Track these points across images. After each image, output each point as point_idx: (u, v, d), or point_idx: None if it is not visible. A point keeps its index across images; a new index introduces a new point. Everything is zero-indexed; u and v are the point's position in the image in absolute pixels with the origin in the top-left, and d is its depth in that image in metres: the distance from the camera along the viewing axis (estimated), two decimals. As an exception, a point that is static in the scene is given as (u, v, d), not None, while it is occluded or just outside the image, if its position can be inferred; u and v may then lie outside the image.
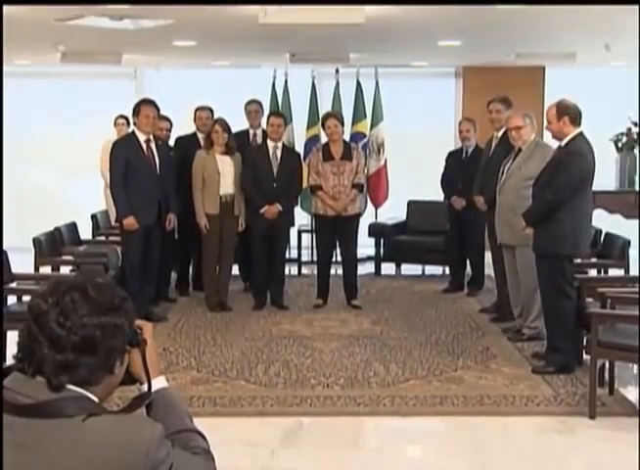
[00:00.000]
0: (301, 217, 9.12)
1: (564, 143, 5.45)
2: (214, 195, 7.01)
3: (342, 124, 7.34)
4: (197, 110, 7.80)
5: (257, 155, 7.19)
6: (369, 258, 9.28)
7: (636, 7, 4.69)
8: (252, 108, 7.86)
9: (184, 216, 7.06)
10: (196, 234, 7.25)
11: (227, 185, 7.03)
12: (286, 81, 9.57)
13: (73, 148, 10.55)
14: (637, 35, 6.40)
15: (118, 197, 6.53)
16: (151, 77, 10.76)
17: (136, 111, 6.55)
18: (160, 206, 6.62)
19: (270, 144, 7.26)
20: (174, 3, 5.22)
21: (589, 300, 5.63)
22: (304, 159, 8.06)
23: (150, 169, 6.51)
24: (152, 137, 6.59)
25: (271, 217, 7.09)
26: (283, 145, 7.32)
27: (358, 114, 9.55)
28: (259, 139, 7.72)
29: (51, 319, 1.66)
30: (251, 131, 7.88)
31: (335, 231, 7.34)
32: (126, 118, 8.30)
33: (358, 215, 7.48)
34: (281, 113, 7.92)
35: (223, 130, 6.91)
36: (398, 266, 9.53)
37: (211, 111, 7.74)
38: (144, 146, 6.53)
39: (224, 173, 7.00)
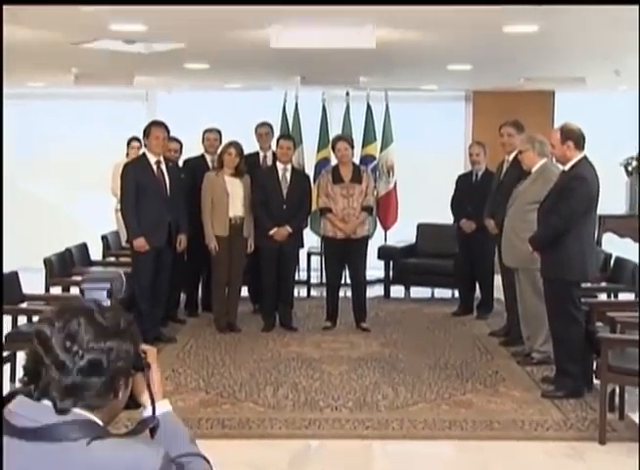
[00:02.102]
0: (311, 239, 9.10)
1: (567, 167, 5.46)
2: (223, 217, 7.01)
3: (353, 147, 7.40)
4: (205, 132, 7.84)
5: (267, 177, 7.18)
6: (378, 281, 9.27)
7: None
8: (263, 130, 7.87)
9: (193, 238, 7.03)
10: (205, 255, 7.23)
11: (236, 207, 7.03)
12: (296, 104, 9.59)
13: (85, 168, 10.59)
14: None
15: (129, 218, 6.55)
16: (162, 99, 10.81)
17: (146, 132, 6.60)
18: (170, 227, 6.61)
19: (280, 166, 7.26)
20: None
21: (599, 324, 5.61)
22: (314, 181, 8.07)
23: (160, 191, 6.53)
24: (162, 159, 6.62)
25: (280, 239, 7.07)
26: (292, 167, 7.35)
27: (368, 136, 9.59)
28: (269, 161, 7.72)
29: (57, 343, 1.67)
30: (261, 153, 7.88)
31: (344, 253, 7.30)
32: (139, 141, 8.15)
33: (367, 238, 7.48)
34: (291, 135, 8.00)
35: (236, 154, 6.95)
36: (407, 289, 9.49)
37: (219, 133, 7.84)
38: (154, 167, 6.55)
39: (233, 195, 7.01)
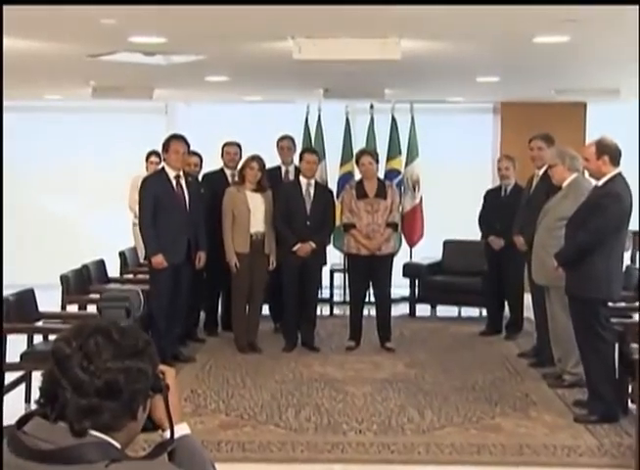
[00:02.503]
0: (334, 256, 9.06)
1: (601, 183, 5.40)
2: (245, 233, 7.00)
3: (377, 161, 7.40)
4: (225, 145, 7.82)
5: (290, 192, 7.16)
6: (403, 299, 9.21)
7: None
8: (285, 144, 7.86)
9: (213, 255, 6.99)
10: (225, 273, 7.21)
11: (258, 223, 7.01)
12: (319, 117, 9.60)
13: (103, 182, 10.61)
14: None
15: (147, 234, 6.53)
16: (182, 112, 10.85)
17: (166, 146, 6.58)
18: (189, 244, 6.58)
19: (303, 181, 7.24)
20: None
21: (634, 345, 5.51)
22: (337, 196, 8.05)
23: (180, 206, 6.52)
24: (182, 173, 6.60)
25: (304, 256, 7.04)
26: (316, 182, 7.29)
27: (393, 150, 9.56)
28: (291, 176, 7.73)
29: (74, 364, 1.66)
30: (284, 168, 7.89)
31: (368, 271, 7.26)
32: (159, 155, 8.01)
33: (392, 255, 7.49)
34: (314, 149, 7.95)
35: (259, 169, 6.95)
36: (434, 308, 9.39)
37: (239, 146, 7.82)
38: (174, 182, 6.53)
39: (255, 211, 6.99)
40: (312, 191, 7.13)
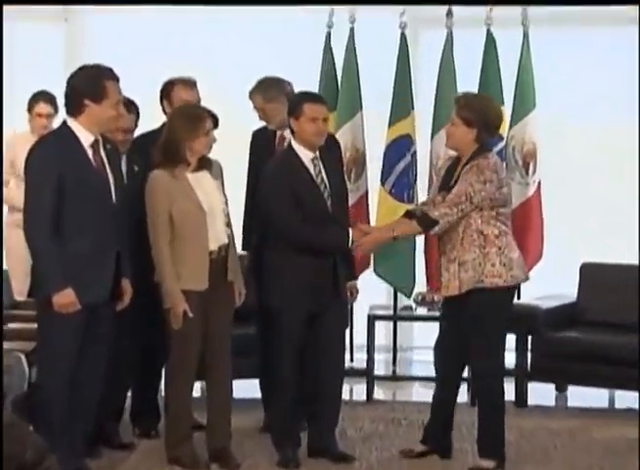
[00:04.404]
0: (373, 289, 7.25)
1: None
2: (199, 253, 5.49)
3: (469, 123, 5.52)
4: (171, 84, 6.29)
5: (297, 178, 5.72)
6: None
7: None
8: (278, 90, 6.24)
9: (143, 288, 5.53)
10: (163, 325, 5.81)
11: (219, 229, 5.57)
12: (352, 34, 7.28)
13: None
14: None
15: (45, 250, 5.26)
16: (92, 19, 8.61)
17: (92, 89, 5.41)
18: (118, 266, 5.44)
19: (305, 155, 5.66)
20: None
21: None
22: (383, 178, 6.93)
23: (102, 197, 5.27)
24: (100, 138, 5.46)
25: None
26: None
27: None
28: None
29: None
30: (279, 132, 6.32)
31: (457, 320, 5.69)
32: (53, 102, 7.08)
33: (488, 293, 5.52)
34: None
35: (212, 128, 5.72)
36: (562, 390, 7.31)
37: (196, 87, 6.32)
38: (89, 153, 5.32)
39: (212, 208, 5.54)
40: (321, 165, 5.70)
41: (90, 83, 5.07)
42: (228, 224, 5.57)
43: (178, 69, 6.44)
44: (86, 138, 5.04)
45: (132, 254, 5.43)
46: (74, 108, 5.08)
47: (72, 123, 5.09)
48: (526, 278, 5.56)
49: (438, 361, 5.75)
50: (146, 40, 8.48)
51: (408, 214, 5.57)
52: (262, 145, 6.17)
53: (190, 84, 6.01)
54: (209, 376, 5.53)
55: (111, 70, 5.26)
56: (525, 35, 7.28)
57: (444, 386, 5.68)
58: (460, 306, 5.38)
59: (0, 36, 5.60)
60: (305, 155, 5.47)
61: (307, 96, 5.74)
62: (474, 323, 5.27)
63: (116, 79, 5.22)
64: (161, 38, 8.50)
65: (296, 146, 5.51)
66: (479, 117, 5.31)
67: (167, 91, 5.97)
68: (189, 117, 5.51)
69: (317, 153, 5.58)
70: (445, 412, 5.60)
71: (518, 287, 7.05)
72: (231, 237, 5.59)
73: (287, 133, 5.91)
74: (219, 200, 5.54)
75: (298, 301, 5.42)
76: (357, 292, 6.01)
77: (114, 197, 5.17)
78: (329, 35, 7.29)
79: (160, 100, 5.95)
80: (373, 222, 6.73)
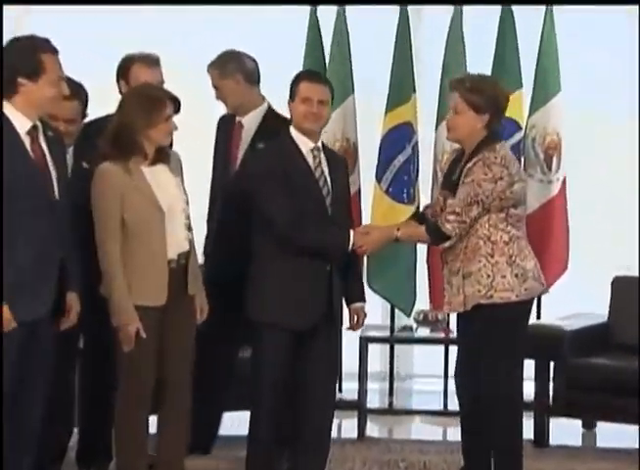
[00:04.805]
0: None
1: None
2: (156, 262, 5.17)
3: (477, 108, 5.27)
4: (127, 60, 5.98)
5: (292, 167, 5.39)
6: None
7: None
8: (237, 66, 6.00)
9: (91, 303, 5.08)
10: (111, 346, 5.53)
11: (179, 234, 5.20)
12: (343, 14, 6.89)
13: None
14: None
15: None
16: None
17: (29, 64, 5.00)
18: (64, 275, 4.99)
19: (303, 143, 5.35)
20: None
21: None
22: (379, 173, 6.56)
23: (43, 194, 4.86)
24: (39, 124, 4.99)
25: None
26: (324, 146, 5.51)
27: (505, 78, 6.77)
28: (251, 132, 5.95)
29: None
30: (237, 118, 6.01)
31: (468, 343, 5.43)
32: None
33: (493, 310, 5.21)
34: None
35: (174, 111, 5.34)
36: (589, 426, 6.78)
37: (158, 65, 6.00)
38: (26, 142, 4.88)
39: (171, 207, 5.16)
40: (324, 162, 5.33)
41: (24, 57, 4.67)
42: (189, 228, 5.17)
43: (178, 69, 6.38)
44: (22, 124, 4.67)
45: (79, 262, 4.98)
46: (7, 88, 4.67)
47: (6, 107, 4.68)
48: (545, 291, 5.19)
49: (460, 391, 5.27)
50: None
51: (418, 217, 5.28)
52: (223, 133, 5.85)
53: (151, 62, 5.57)
54: (164, 406, 5.15)
55: (47, 40, 4.81)
56: (549, 13, 6.83)
57: (472, 422, 5.16)
58: (466, 327, 5.06)
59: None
60: (304, 143, 5.13)
61: (305, 74, 5.46)
62: (481, 345, 4.92)
63: (55, 52, 4.76)
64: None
65: (294, 133, 5.17)
66: (490, 100, 4.95)
67: (124, 69, 5.53)
68: (146, 99, 5.06)
69: (319, 143, 5.24)
70: (481, 457, 5.10)
71: (538, 302, 6.78)
72: (192, 243, 5.19)
73: (245, 120, 5.67)
74: (180, 198, 5.12)
75: (282, 317, 5.04)
76: (365, 317, 5.49)
77: (57, 193, 4.73)
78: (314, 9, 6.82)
79: (116, 79, 5.52)
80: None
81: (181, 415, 5.25)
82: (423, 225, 5.12)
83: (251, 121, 5.66)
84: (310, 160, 5.14)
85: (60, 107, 5.02)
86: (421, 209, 5.83)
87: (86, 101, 5.48)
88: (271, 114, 5.75)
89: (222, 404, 6.28)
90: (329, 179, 5.20)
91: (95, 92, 5.65)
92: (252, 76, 5.83)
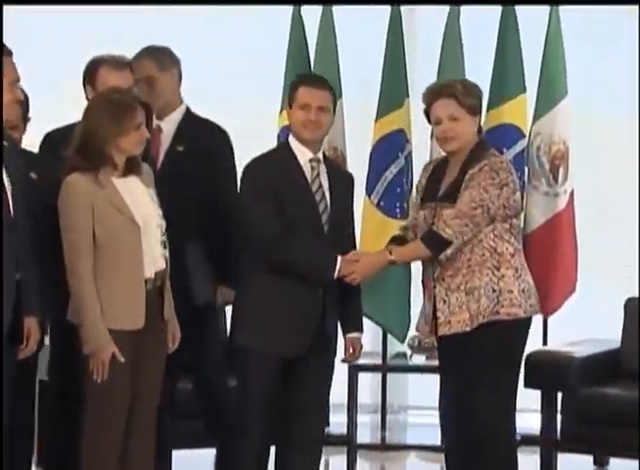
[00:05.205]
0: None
1: None
2: (132, 281, 4.91)
3: (475, 109, 5.12)
4: (94, 63, 5.73)
5: (285, 177, 5.15)
6: (526, 440, 6.33)
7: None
8: (173, 62, 6.03)
9: (56, 327, 5.21)
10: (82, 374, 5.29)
11: (155, 250, 4.97)
12: (330, 15, 6.73)
13: None
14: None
15: None
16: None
17: None
18: (19, 298, 4.71)
19: (302, 153, 5.07)
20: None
21: None
22: (369, 189, 6.51)
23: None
24: None
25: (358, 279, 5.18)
26: (325, 157, 5.26)
27: (506, 84, 6.77)
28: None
29: None
30: (155, 122, 5.91)
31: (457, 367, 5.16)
32: None
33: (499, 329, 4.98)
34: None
35: (147, 117, 5.07)
36: (601, 463, 6.49)
37: (128, 68, 5.75)
38: None
39: (147, 221, 4.93)
40: (324, 176, 5.07)
41: None
42: (164, 244, 4.89)
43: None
44: None
45: (48, 281, 4.86)
46: None
47: None
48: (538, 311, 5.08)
49: (446, 422, 5.04)
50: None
51: (398, 241, 5.08)
52: None
53: (119, 65, 5.36)
54: (130, 437, 4.85)
55: None
56: (554, 13, 6.63)
57: (460, 457, 4.92)
58: (460, 350, 4.78)
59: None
60: (302, 153, 4.88)
61: (304, 78, 5.25)
62: (481, 369, 4.64)
63: (9, 53, 4.59)
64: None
65: (292, 142, 4.94)
66: (480, 100, 4.96)
67: (91, 73, 5.30)
68: (115, 106, 4.82)
69: (320, 154, 5.00)
70: None
71: (544, 326, 6.59)
72: (168, 261, 4.93)
73: (163, 123, 5.43)
74: (154, 212, 4.85)
75: (268, 342, 4.81)
76: (361, 349, 5.26)
77: (11, 209, 4.53)
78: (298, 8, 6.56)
79: (82, 84, 5.31)
80: (357, 243, 5.77)
81: (149, 445, 4.93)
82: (417, 242, 4.86)
83: (169, 125, 5.56)
84: (308, 171, 4.91)
85: (9, 113, 4.71)
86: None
87: (26, 108, 5.37)
88: (189, 115, 5.64)
89: (168, 443, 5.82)
90: (328, 194, 4.97)
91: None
92: (181, 74, 5.75)
